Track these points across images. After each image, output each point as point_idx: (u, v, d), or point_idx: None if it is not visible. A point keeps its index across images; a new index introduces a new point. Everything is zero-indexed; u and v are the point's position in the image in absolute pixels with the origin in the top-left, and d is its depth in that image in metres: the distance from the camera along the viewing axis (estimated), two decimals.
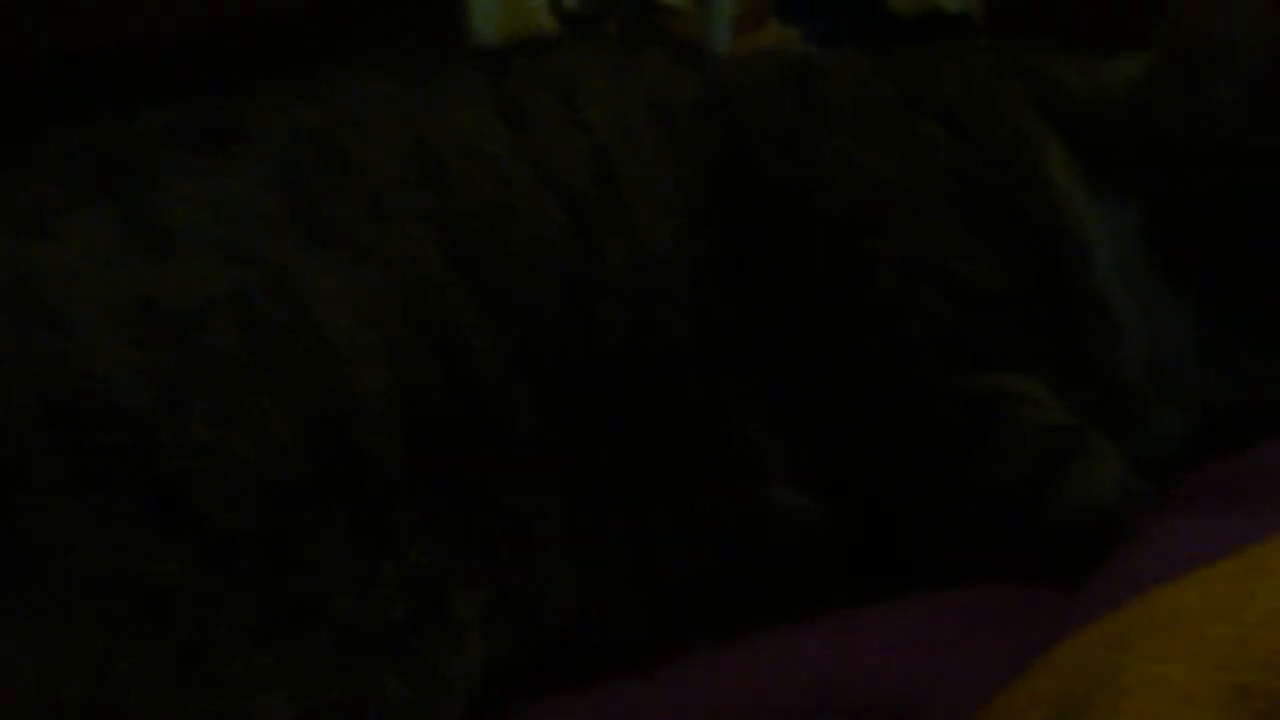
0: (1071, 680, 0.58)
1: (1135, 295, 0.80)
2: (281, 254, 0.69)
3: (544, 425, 0.70)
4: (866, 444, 0.74)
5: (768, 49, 2.14)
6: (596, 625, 0.71)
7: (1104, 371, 0.79)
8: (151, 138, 0.74)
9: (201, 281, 0.66)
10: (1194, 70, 0.80)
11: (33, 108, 0.86)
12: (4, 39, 1.23)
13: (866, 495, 0.74)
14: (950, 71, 0.86)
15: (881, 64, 0.87)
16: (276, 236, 0.69)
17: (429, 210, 0.72)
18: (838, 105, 0.82)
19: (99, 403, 0.61)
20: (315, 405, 0.64)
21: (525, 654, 0.69)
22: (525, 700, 0.69)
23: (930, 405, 0.74)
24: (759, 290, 0.75)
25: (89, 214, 0.67)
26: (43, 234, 0.66)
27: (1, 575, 0.58)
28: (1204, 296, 0.79)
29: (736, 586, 0.74)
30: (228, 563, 0.61)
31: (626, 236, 0.74)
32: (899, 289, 0.75)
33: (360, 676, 0.62)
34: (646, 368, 0.72)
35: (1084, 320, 0.79)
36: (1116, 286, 0.80)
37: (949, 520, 0.73)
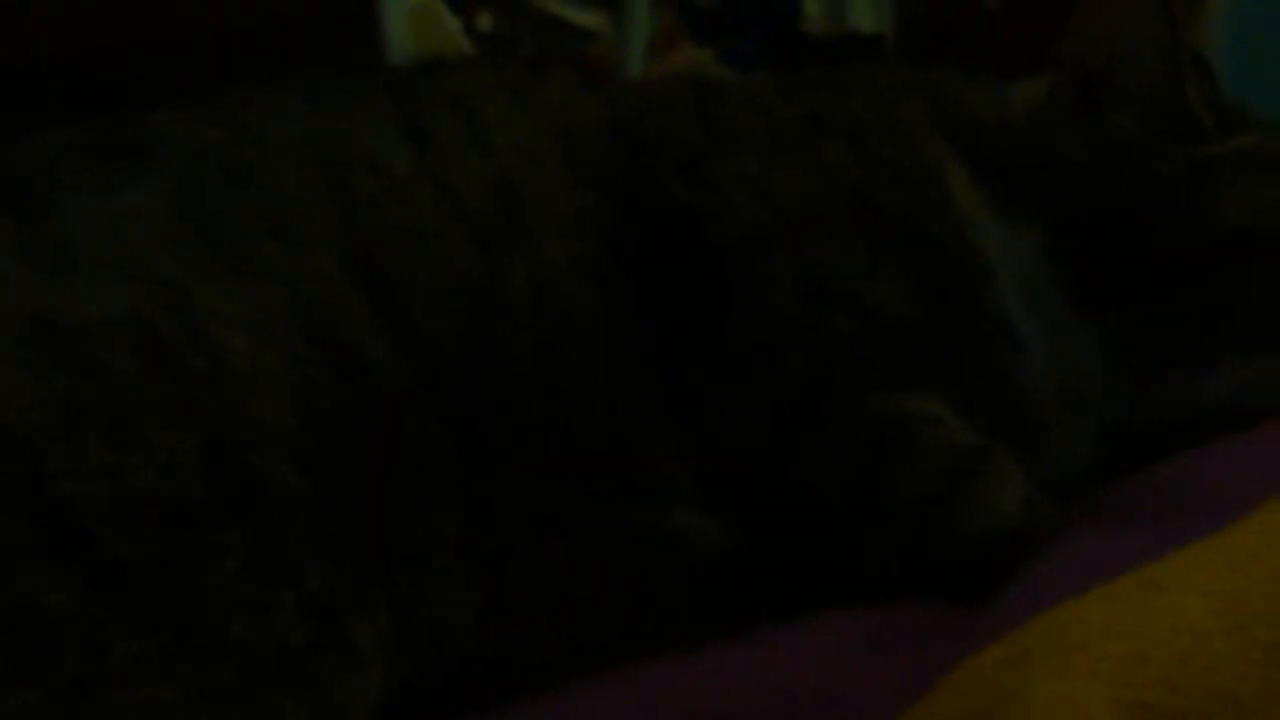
0: (973, 700, 0.58)
1: (1039, 316, 0.81)
2: (182, 273, 0.67)
3: (446, 448, 0.69)
4: (772, 467, 0.73)
5: (680, 71, 2.15)
6: (499, 650, 0.71)
7: (1009, 392, 0.79)
8: (51, 155, 0.73)
9: (98, 300, 0.65)
10: (1092, 94, 0.81)
11: None
12: None
13: (772, 518, 0.73)
14: (856, 94, 0.87)
15: (788, 86, 0.87)
16: (177, 256, 0.68)
17: (333, 231, 0.71)
18: (742, 128, 0.82)
19: None
20: (213, 428, 0.63)
21: (427, 679, 0.69)
22: None
23: (836, 427, 0.74)
24: (664, 314, 0.75)
25: None
26: None
27: None
28: (1106, 317, 0.80)
29: (641, 610, 0.73)
30: (121, 591, 0.60)
31: (530, 259, 0.73)
32: (803, 311, 0.75)
33: (259, 705, 0.61)
34: (549, 391, 0.72)
35: (988, 341, 0.79)
36: (1020, 308, 0.80)
37: (855, 541, 0.73)
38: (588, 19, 2.99)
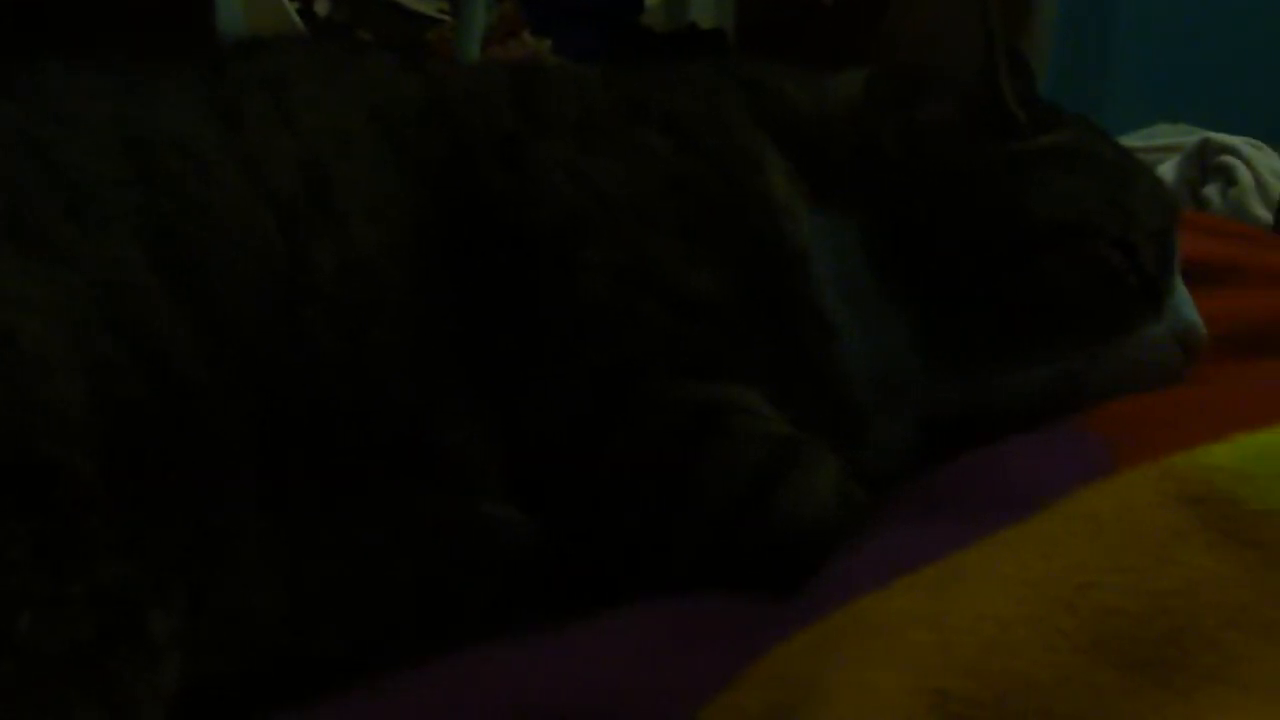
0: (777, 689, 0.58)
1: (855, 307, 0.81)
2: None
3: (249, 435, 0.68)
4: (582, 456, 0.73)
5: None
6: (304, 641, 0.69)
7: (824, 382, 0.80)
8: None
9: None
10: (908, 87, 0.82)
11: None
12: None
13: (581, 509, 0.73)
14: (677, 84, 0.86)
15: (609, 75, 0.87)
16: None
17: (135, 212, 0.69)
18: (560, 114, 0.82)
19: None
20: (2, 415, 0.61)
21: (230, 672, 0.67)
22: None
23: (646, 416, 0.73)
24: (476, 300, 0.74)
25: None
26: None
27: None
28: (921, 309, 0.81)
29: (450, 600, 0.72)
30: None
31: (338, 241, 0.72)
32: (616, 298, 0.75)
33: (45, 703, 0.59)
34: (354, 376, 0.70)
35: (803, 331, 0.80)
36: (836, 299, 0.81)
37: (666, 531, 0.73)
38: (427, 5, 2.96)
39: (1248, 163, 2.25)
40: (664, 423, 0.73)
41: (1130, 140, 2.67)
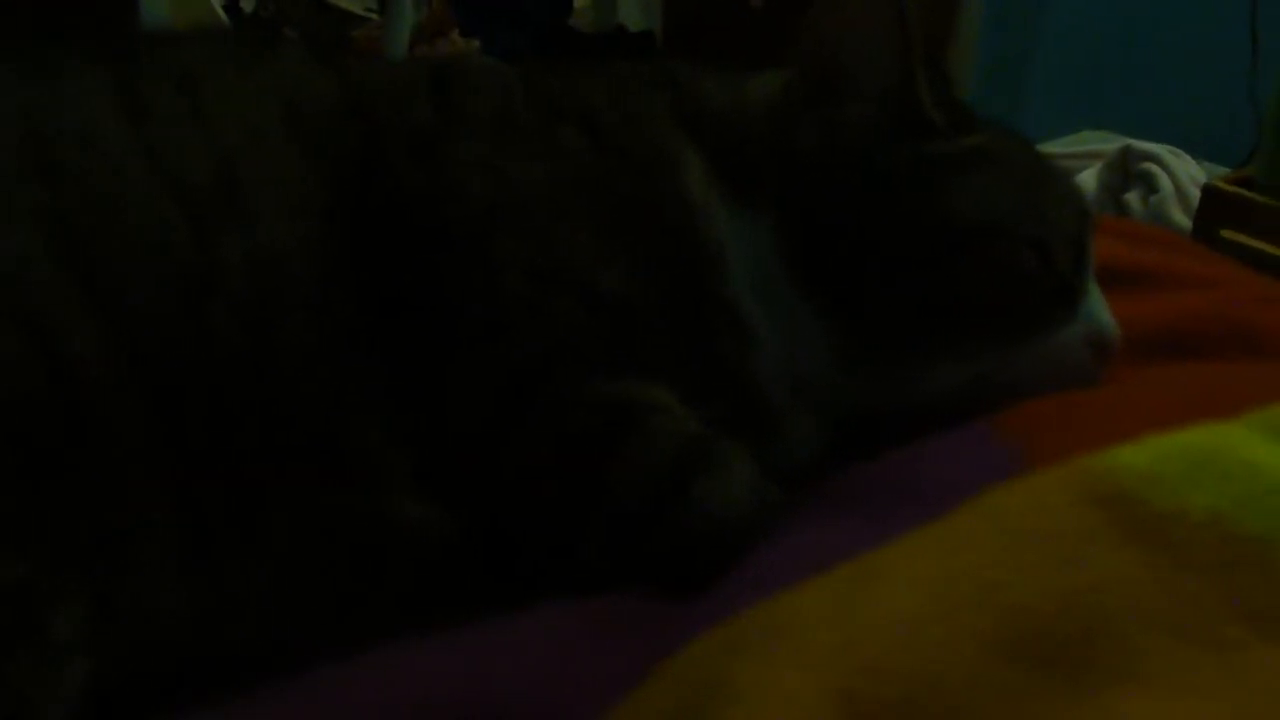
0: (686, 688, 0.58)
1: (771, 307, 0.81)
2: None
3: (154, 431, 0.66)
4: (493, 454, 0.72)
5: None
6: (214, 640, 0.68)
7: (738, 381, 0.80)
8: None
9: None
10: (826, 88, 0.82)
11: None
12: None
13: (494, 507, 0.72)
14: (595, 83, 0.86)
15: (528, 73, 0.86)
16: None
17: (37, 207, 0.68)
18: (477, 111, 0.81)
19: None
20: None
21: (139, 673, 0.66)
22: None
23: (560, 413, 0.73)
24: (388, 297, 0.73)
25: None
26: None
27: None
28: (836, 309, 0.81)
29: (361, 598, 0.71)
30: None
31: (247, 238, 0.71)
32: (529, 296, 0.74)
33: None
34: (265, 372, 0.69)
35: (718, 330, 0.79)
36: (752, 299, 0.81)
37: (580, 529, 0.72)
38: (354, 4, 2.95)
39: (1168, 170, 2.28)
40: (577, 421, 0.73)
41: (1054, 147, 2.70)
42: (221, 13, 2.67)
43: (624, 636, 0.64)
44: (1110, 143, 2.55)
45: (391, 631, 0.67)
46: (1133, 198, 2.29)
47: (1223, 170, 2.30)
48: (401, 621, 0.68)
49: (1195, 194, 2.10)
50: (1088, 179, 2.34)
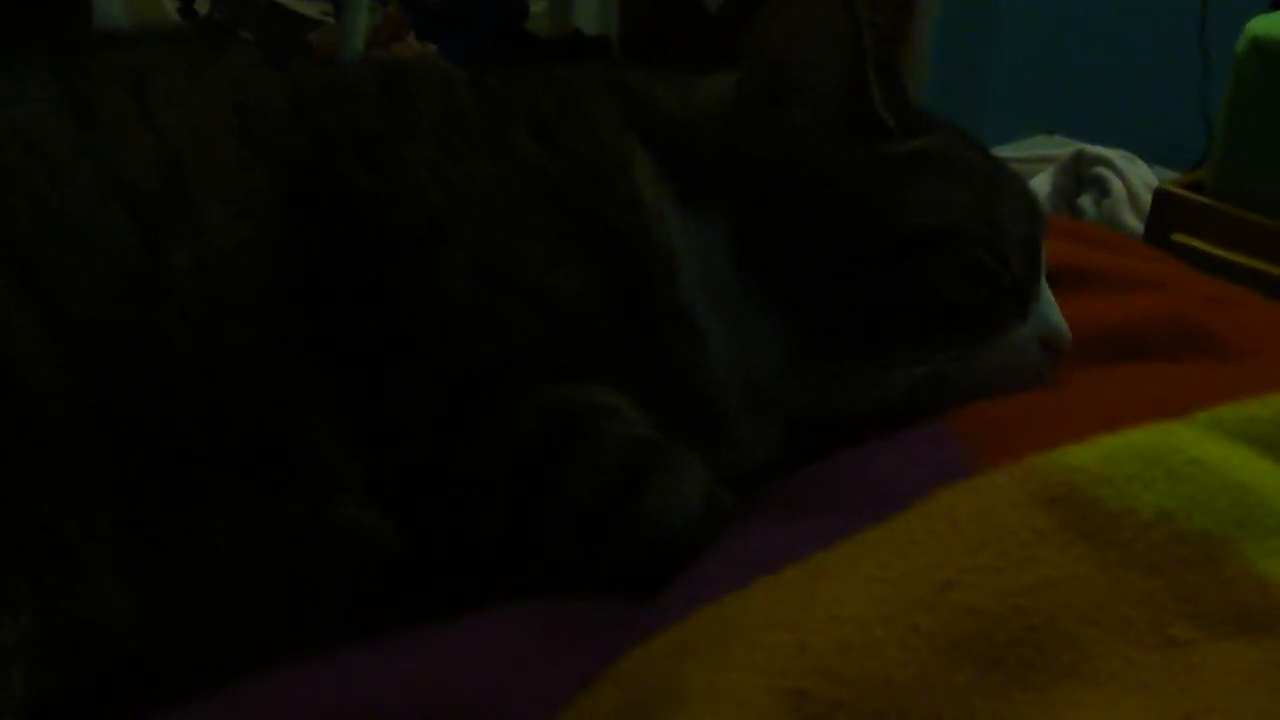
0: (636, 691, 0.58)
1: (722, 310, 0.81)
2: None
3: (99, 438, 0.66)
4: (443, 459, 0.72)
5: None
6: (160, 647, 0.67)
7: (690, 384, 0.79)
8: None
9: None
10: (775, 92, 0.82)
11: None
12: None
13: (443, 512, 0.72)
14: (545, 87, 0.86)
15: (478, 76, 0.86)
16: None
17: None
18: (426, 114, 0.80)
19: None
20: None
21: (82, 680, 0.65)
22: None
23: (511, 418, 0.72)
24: (338, 301, 0.73)
25: None
26: None
27: None
28: (788, 311, 0.81)
29: (309, 604, 0.71)
30: None
31: (195, 242, 0.70)
32: (478, 300, 0.74)
33: None
34: (212, 378, 0.69)
35: (670, 334, 0.79)
36: (703, 301, 0.81)
37: (531, 534, 0.72)
38: (309, 7, 2.93)
39: (1120, 174, 2.30)
40: (527, 425, 0.72)
41: (1008, 151, 2.72)
42: (176, 15, 2.65)
43: (574, 640, 0.64)
44: (1063, 147, 2.58)
45: (341, 638, 0.67)
46: (1086, 201, 2.31)
47: (1174, 175, 2.32)
48: (350, 628, 0.68)
49: (1147, 198, 2.12)
50: (1041, 183, 2.36)
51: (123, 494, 0.66)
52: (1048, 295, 0.86)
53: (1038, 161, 2.59)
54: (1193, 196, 1.90)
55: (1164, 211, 1.94)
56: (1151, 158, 2.47)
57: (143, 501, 0.66)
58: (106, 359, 0.67)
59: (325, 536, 0.70)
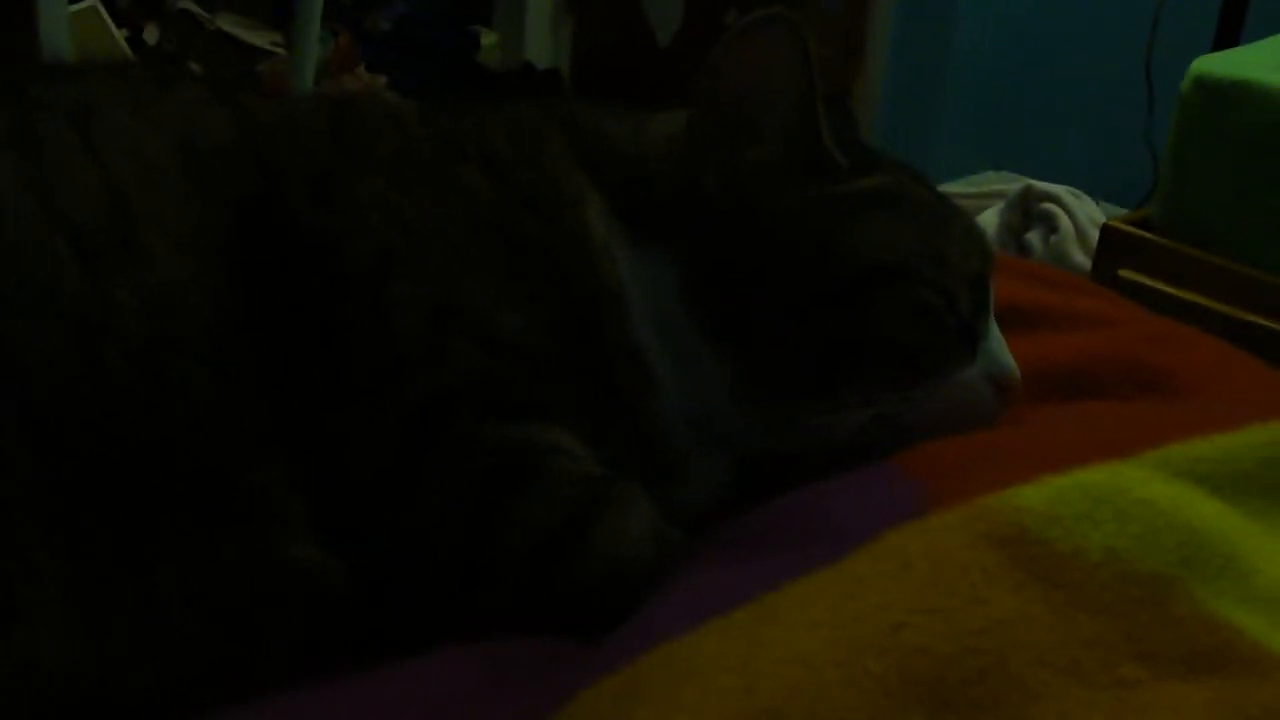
0: None
1: (673, 348, 0.81)
2: None
3: (38, 474, 0.64)
4: (390, 498, 0.71)
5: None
6: (99, 690, 0.66)
7: (639, 422, 0.79)
8: None
9: None
10: (727, 130, 0.82)
11: None
12: None
13: (390, 551, 0.71)
14: (496, 122, 0.85)
15: (428, 111, 0.85)
16: None
17: None
18: (375, 149, 0.80)
19: None
20: None
21: None
22: None
23: (457, 457, 0.72)
24: (285, 338, 0.72)
25: None
26: None
27: None
28: (738, 350, 0.81)
29: (255, 645, 0.70)
30: None
31: (140, 278, 0.69)
32: (426, 337, 0.73)
33: None
34: (156, 414, 0.67)
35: (619, 371, 0.79)
36: (653, 339, 0.80)
37: (479, 572, 0.71)
38: (259, 37, 2.92)
39: (1068, 211, 2.32)
40: (475, 464, 0.72)
41: (956, 186, 2.74)
42: (125, 45, 2.63)
43: (522, 684, 0.63)
44: (1011, 183, 2.60)
45: (287, 680, 0.66)
46: (1034, 237, 2.33)
47: (1121, 211, 2.34)
48: (296, 669, 0.67)
49: (1094, 234, 2.14)
50: (989, 218, 2.38)
51: (63, 532, 0.65)
52: (997, 334, 0.86)
53: (986, 197, 2.61)
54: (1139, 233, 1.92)
55: (1111, 248, 1.95)
56: (1099, 194, 2.50)
57: (84, 539, 0.65)
58: (48, 394, 0.65)
59: (272, 576, 0.69)
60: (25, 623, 0.63)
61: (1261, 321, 1.77)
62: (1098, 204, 2.41)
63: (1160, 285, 1.86)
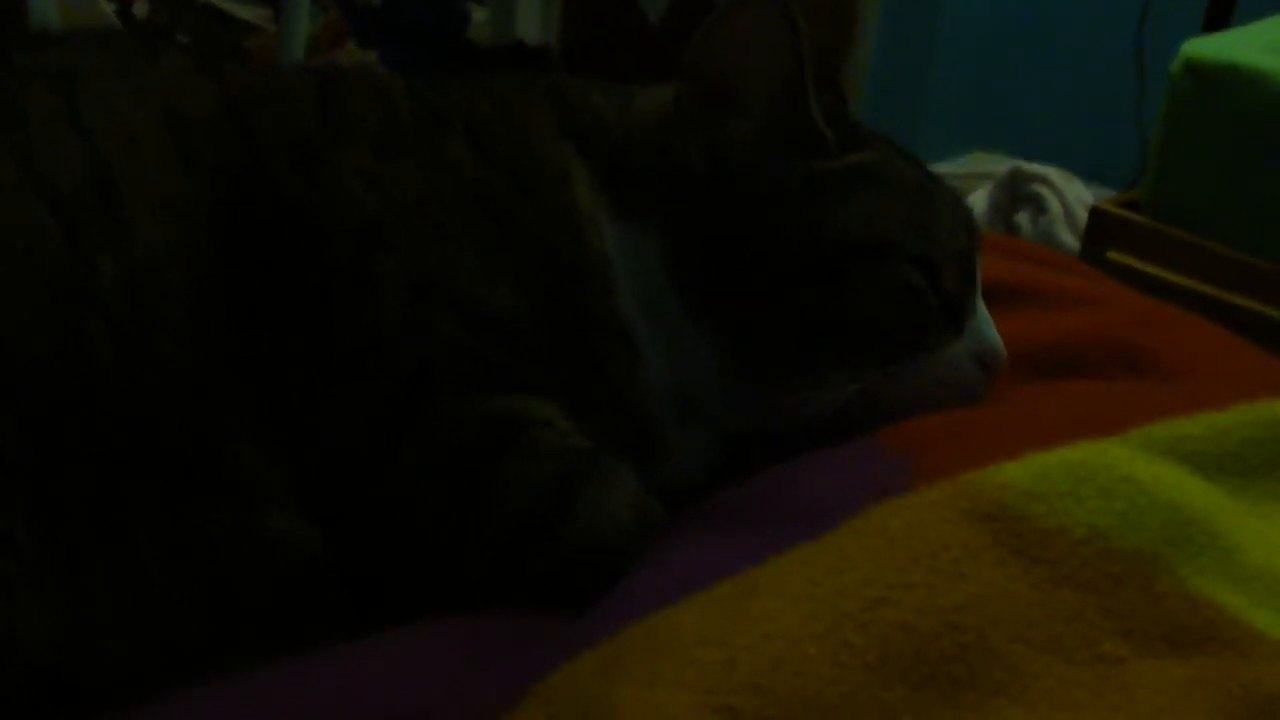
0: (564, 707, 0.57)
1: (657, 323, 0.80)
2: None
3: (16, 445, 0.64)
4: (372, 470, 0.71)
5: None
6: (79, 663, 0.65)
7: (623, 397, 0.79)
8: None
9: None
10: (714, 105, 0.82)
11: None
12: None
13: (372, 523, 0.71)
14: (482, 96, 0.85)
15: (414, 85, 0.85)
16: None
17: None
18: (361, 121, 0.79)
19: None
20: None
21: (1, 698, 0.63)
22: None
23: (441, 429, 0.71)
24: (267, 309, 0.71)
25: None
26: None
27: None
28: (722, 325, 0.80)
29: (234, 617, 0.69)
30: None
31: (122, 248, 0.68)
32: (410, 310, 0.73)
33: None
34: (137, 385, 0.67)
35: (603, 346, 0.78)
36: (638, 314, 0.80)
37: (459, 546, 0.71)
38: (249, 12, 2.91)
39: (1057, 192, 2.32)
40: (458, 436, 0.71)
41: (945, 167, 2.74)
42: (114, 18, 2.62)
43: (502, 658, 0.63)
44: (1000, 164, 2.60)
45: (265, 652, 0.66)
46: (1022, 218, 2.33)
47: (1110, 193, 2.34)
48: (274, 641, 0.67)
49: (1083, 215, 2.14)
50: (978, 199, 2.38)
51: (41, 503, 0.64)
52: (983, 312, 0.86)
53: (975, 178, 2.61)
54: (1128, 215, 1.92)
55: (1099, 229, 1.96)
56: (1088, 176, 2.50)
57: (62, 510, 0.65)
58: (26, 363, 0.65)
59: (252, 547, 0.69)
60: (2, 593, 0.63)
61: (1248, 304, 1.77)
62: (1087, 185, 2.41)
63: (1148, 268, 1.87)
